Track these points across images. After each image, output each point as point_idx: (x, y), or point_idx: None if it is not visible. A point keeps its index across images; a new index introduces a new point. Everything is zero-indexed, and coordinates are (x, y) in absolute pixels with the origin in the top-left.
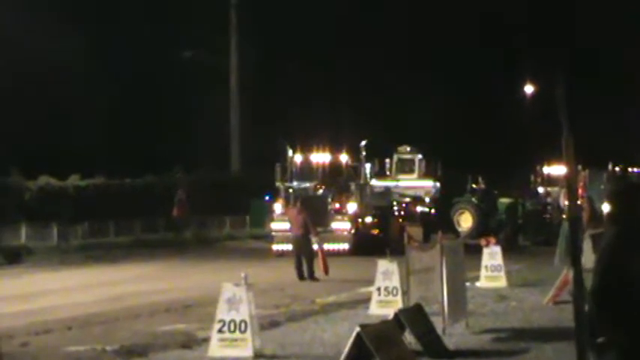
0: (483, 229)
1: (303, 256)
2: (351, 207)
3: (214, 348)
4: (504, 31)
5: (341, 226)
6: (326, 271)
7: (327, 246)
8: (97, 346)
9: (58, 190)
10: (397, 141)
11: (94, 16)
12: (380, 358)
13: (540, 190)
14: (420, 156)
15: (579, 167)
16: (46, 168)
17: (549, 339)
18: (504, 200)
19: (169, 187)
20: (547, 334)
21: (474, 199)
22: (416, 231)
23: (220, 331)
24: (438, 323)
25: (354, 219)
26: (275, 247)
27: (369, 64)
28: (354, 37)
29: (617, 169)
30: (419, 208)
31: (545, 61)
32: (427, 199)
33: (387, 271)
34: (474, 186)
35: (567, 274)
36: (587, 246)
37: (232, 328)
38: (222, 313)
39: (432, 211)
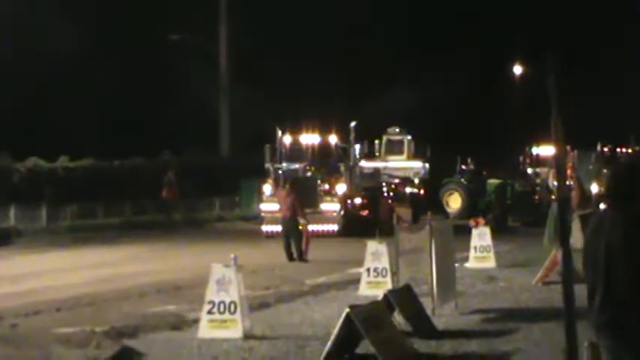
0: (472, 210)
1: (291, 237)
2: (341, 188)
3: (204, 329)
4: (494, 14)
5: (330, 207)
6: (305, 252)
7: (316, 227)
8: (86, 328)
9: (47, 171)
10: (386, 122)
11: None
12: (369, 339)
13: (529, 171)
14: (409, 137)
15: (568, 148)
16: (35, 149)
17: (538, 319)
18: (493, 181)
19: (159, 169)
20: (536, 314)
21: (463, 180)
22: (405, 212)
23: (210, 312)
24: (427, 304)
25: (343, 200)
26: (264, 228)
27: (359, 45)
28: (346, 18)
29: (605, 149)
30: (408, 189)
31: (534, 43)
32: (416, 181)
33: (376, 252)
34: (463, 167)
35: (556, 254)
36: (575, 227)
37: (222, 309)
38: (212, 294)
39: (421, 192)
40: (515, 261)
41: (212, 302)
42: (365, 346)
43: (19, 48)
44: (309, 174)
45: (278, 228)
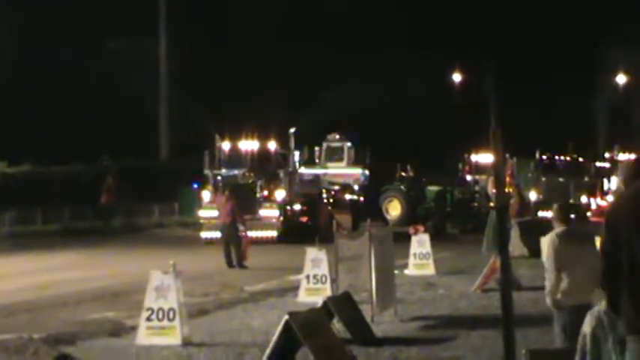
0: (412, 217)
1: (231, 243)
2: (280, 194)
3: (143, 336)
4: (434, 20)
5: (269, 213)
6: (244, 258)
7: (255, 233)
8: (24, 335)
9: None
10: (326, 128)
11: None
12: (308, 346)
13: (468, 178)
14: (349, 144)
15: (507, 155)
16: None
17: (477, 326)
18: (433, 188)
19: (98, 174)
20: (475, 321)
21: (402, 187)
22: (345, 218)
23: (149, 319)
24: (366, 311)
25: (282, 206)
26: (203, 234)
27: (299, 51)
28: (285, 25)
29: (544, 157)
30: (348, 196)
31: (474, 52)
32: (356, 187)
33: (316, 259)
34: (402, 174)
35: (495, 261)
36: (514, 234)
37: (161, 316)
38: (151, 301)
39: (361, 199)
40: (455, 268)
41: (151, 309)
42: (304, 353)
43: None
44: (248, 180)
45: (217, 234)
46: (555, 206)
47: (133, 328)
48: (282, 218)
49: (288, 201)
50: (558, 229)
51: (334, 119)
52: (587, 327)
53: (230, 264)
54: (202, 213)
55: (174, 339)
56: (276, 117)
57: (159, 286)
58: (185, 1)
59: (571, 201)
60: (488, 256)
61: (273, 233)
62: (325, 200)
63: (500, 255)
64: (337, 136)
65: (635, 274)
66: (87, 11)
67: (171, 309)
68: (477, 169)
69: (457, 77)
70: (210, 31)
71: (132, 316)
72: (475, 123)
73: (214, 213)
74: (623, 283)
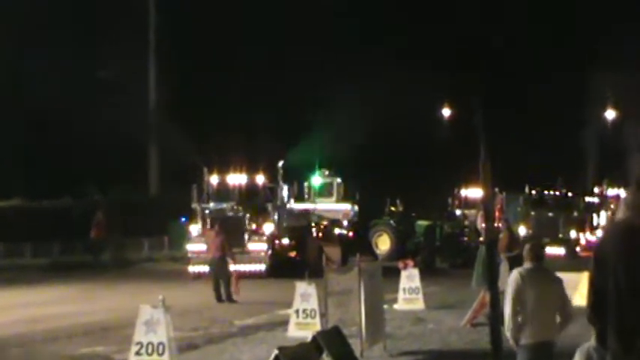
0: (401, 252)
1: (220, 278)
2: (268, 228)
3: None
4: (423, 54)
5: (257, 247)
6: (235, 292)
7: (243, 267)
8: None
9: None
10: (315, 164)
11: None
12: None
13: (458, 212)
14: (338, 180)
15: (496, 190)
16: None
17: None
18: (422, 223)
19: (87, 208)
20: (464, 356)
21: (391, 222)
22: (334, 252)
23: (138, 353)
24: (356, 345)
25: (270, 240)
26: (191, 268)
27: (287, 85)
28: (272, 59)
29: (533, 192)
30: (337, 231)
31: (462, 86)
32: (345, 222)
33: (305, 293)
34: (392, 208)
35: (484, 296)
36: (503, 268)
37: (150, 350)
38: (140, 335)
39: (350, 234)
40: (444, 303)
41: (140, 343)
42: None
43: None
44: (238, 214)
45: (205, 269)
46: (527, 245)
47: None
48: (270, 252)
49: (277, 234)
50: (524, 266)
51: (321, 154)
52: None
53: (219, 298)
54: (190, 247)
55: None
56: (264, 150)
57: (148, 321)
58: (175, 34)
59: (560, 236)
60: (477, 291)
61: (262, 267)
62: (315, 234)
63: (490, 290)
64: (327, 172)
65: (620, 309)
66: (75, 39)
67: (160, 343)
68: (467, 203)
69: (446, 112)
70: (198, 61)
71: (121, 350)
72: (464, 157)
73: (202, 247)
74: (609, 318)
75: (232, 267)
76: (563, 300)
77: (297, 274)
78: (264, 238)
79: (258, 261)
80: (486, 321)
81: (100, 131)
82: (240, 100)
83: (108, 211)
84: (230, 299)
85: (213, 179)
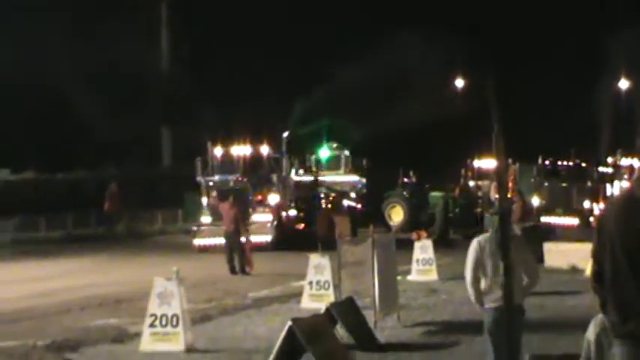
0: (415, 223)
1: (234, 250)
2: (273, 199)
3: (146, 342)
4: (437, 20)
5: (262, 218)
6: (250, 265)
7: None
8: (28, 341)
9: None
10: (323, 135)
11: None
12: (312, 352)
13: (471, 183)
14: (346, 152)
15: (509, 161)
16: None
17: (479, 332)
18: (436, 194)
19: (101, 181)
20: (477, 327)
21: (405, 193)
22: (344, 225)
23: (152, 325)
24: (369, 317)
25: (275, 211)
26: (196, 241)
27: (297, 56)
28: (282, 30)
29: (547, 162)
30: (345, 202)
31: (475, 55)
32: (353, 194)
33: (319, 265)
34: (405, 180)
35: None
36: None
37: (164, 322)
38: (154, 307)
39: (359, 206)
40: (457, 274)
41: (154, 315)
42: (308, 359)
43: None
44: (241, 185)
45: (211, 241)
46: (487, 215)
47: (137, 335)
48: (275, 223)
49: (282, 206)
50: (484, 234)
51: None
52: (590, 333)
53: (233, 271)
54: (203, 219)
55: (177, 345)
56: (269, 121)
57: (162, 293)
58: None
59: (574, 206)
60: None
61: (267, 238)
62: (324, 206)
63: (504, 260)
64: (335, 145)
65: (617, 279)
66: (88, 15)
67: (174, 315)
68: (480, 174)
69: (460, 83)
70: (205, 31)
71: (135, 323)
72: (478, 128)
73: (208, 219)
74: (608, 288)
75: (243, 239)
76: (528, 263)
77: (304, 246)
78: (269, 209)
79: (264, 232)
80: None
81: (114, 104)
82: (246, 68)
83: (122, 184)
84: (243, 271)
85: (218, 151)
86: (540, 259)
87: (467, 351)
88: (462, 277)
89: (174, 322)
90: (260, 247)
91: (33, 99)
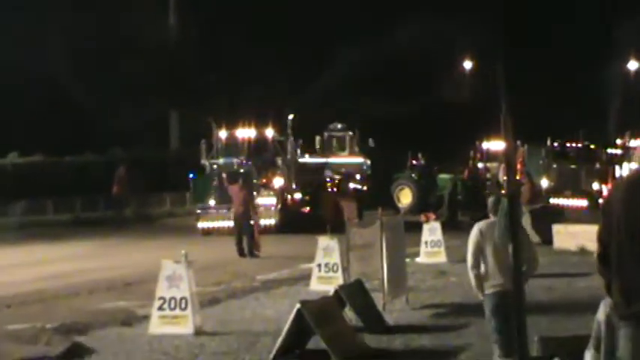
0: (423, 205)
1: (244, 233)
2: (277, 182)
3: (155, 325)
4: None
5: (267, 201)
6: (257, 248)
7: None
8: (36, 324)
9: None
10: (331, 116)
11: None
12: (320, 334)
13: (480, 165)
14: (351, 133)
15: (518, 143)
16: None
17: None
18: (444, 176)
19: (109, 164)
20: None
21: (413, 175)
22: (350, 207)
23: (161, 308)
24: (378, 299)
25: (280, 194)
26: (200, 224)
27: (302, 36)
28: (287, 10)
29: (555, 144)
30: (351, 185)
31: (483, 36)
32: (358, 176)
33: (327, 248)
34: (413, 162)
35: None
36: (526, 222)
37: (173, 305)
38: (163, 290)
39: (364, 188)
40: (466, 256)
41: (163, 298)
42: (316, 342)
43: None
44: (246, 168)
45: (214, 224)
46: (490, 198)
47: (145, 318)
48: (279, 206)
49: (287, 188)
50: (485, 220)
51: (338, 106)
52: (601, 314)
53: (242, 253)
54: (199, 203)
55: (186, 328)
56: (275, 101)
57: (171, 276)
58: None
59: (582, 188)
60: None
61: (271, 221)
62: (330, 189)
63: (512, 242)
64: (339, 126)
65: (621, 262)
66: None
67: (183, 298)
68: (488, 156)
69: (468, 64)
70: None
71: (144, 306)
72: (486, 110)
73: (211, 202)
74: (612, 270)
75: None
76: (528, 249)
77: (309, 229)
78: (274, 192)
79: (268, 215)
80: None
81: (124, 86)
82: (250, 48)
83: (130, 167)
84: (252, 254)
85: (222, 134)
86: (549, 240)
87: (476, 333)
88: None
89: (183, 305)
90: (264, 230)
91: (41, 81)
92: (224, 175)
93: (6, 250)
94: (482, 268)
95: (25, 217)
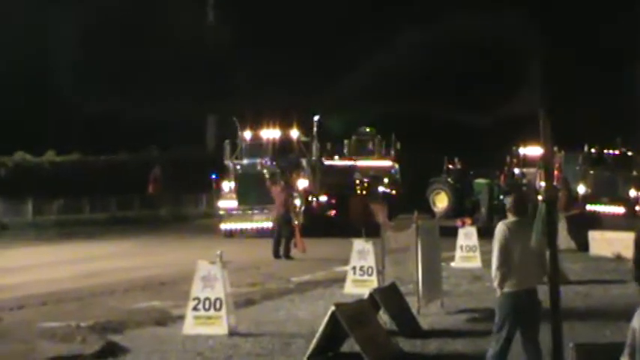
0: (459, 210)
1: (283, 234)
2: (302, 184)
3: (189, 326)
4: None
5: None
6: (303, 249)
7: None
8: (71, 323)
9: (33, 166)
10: (362, 119)
11: None
12: (354, 337)
13: (516, 171)
14: (379, 137)
15: (555, 149)
16: (22, 144)
17: None
18: (480, 181)
19: (145, 164)
20: None
21: (449, 180)
22: (380, 210)
23: (195, 308)
24: (412, 303)
25: (304, 196)
26: (223, 226)
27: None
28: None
29: (592, 150)
30: (380, 189)
31: (521, 42)
32: (386, 180)
33: (362, 250)
34: (450, 166)
35: None
36: (562, 228)
37: (207, 305)
38: (197, 290)
39: (393, 192)
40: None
41: (197, 299)
42: (350, 345)
43: (2, 43)
44: (263, 170)
45: (237, 226)
46: (509, 199)
47: (180, 318)
48: (303, 208)
49: (312, 191)
50: (509, 219)
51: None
52: (636, 322)
53: (277, 254)
54: (222, 204)
55: (220, 329)
56: (300, 104)
57: (206, 276)
58: None
59: (619, 195)
60: (536, 249)
61: (295, 223)
62: (358, 192)
63: (550, 248)
64: (367, 129)
65: None
66: None
67: (217, 299)
68: (525, 162)
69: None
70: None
71: (179, 306)
72: (523, 115)
73: (234, 204)
74: None
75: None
76: (541, 254)
77: (335, 232)
78: (298, 193)
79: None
80: (544, 280)
81: (162, 88)
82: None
83: (165, 167)
84: (287, 256)
85: (247, 134)
86: (585, 247)
87: None
88: None
89: (218, 306)
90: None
91: (77, 80)
92: (267, 177)
93: (43, 248)
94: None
95: (62, 216)
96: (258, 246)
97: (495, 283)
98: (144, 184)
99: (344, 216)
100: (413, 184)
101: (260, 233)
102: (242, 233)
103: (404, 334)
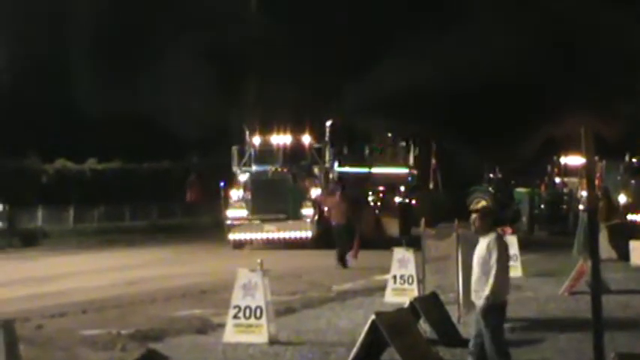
0: (500, 219)
1: (342, 244)
2: (315, 192)
3: (229, 334)
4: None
5: (305, 212)
6: (355, 255)
7: (287, 234)
8: (112, 330)
9: (74, 173)
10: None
11: None
12: (395, 346)
13: (557, 180)
14: (402, 143)
15: (596, 158)
16: (64, 151)
17: (564, 329)
18: (521, 190)
19: (186, 171)
20: (562, 324)
21: (490, 189)
22: (391, 223)
23: (236, 317)
24: (453, 312)
25: (317, 206)
26: (232, 236)
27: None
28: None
29: (633, 160)
30: (397, 199)
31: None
32: (402, 188)
33: (403, 259)
34: (490, 175)
35: (584, 264)
36: (602, 237)
37: (248, 314)
38: (238, 299)
39: (413, 201)
40: (542, 270)
41: (238, 307)
42: (390, 353)
43: (45, 50)
44: (277, 176)
45: (246, 236)
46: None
47: (220, 326)
48: (316, 218)
49: (325, 200)
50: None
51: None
52: None
53: (344, 264)
54: (230, 213)
55: (261, 337)
56: (314, 108)
57: (246, 284)
58: None
59: None
60: (576, 259)
61: (307, 233)
62: (371, 203)
63: (592, 258)
64: (388, 134)
65: None
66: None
67: (258, 307)
68: (566, 171)
69: None
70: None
71: (219, 314)
72: (565, 124)
73: (243, 213)
74: None
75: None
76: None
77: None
78: (311, 202)
79: (304, 227)
80: (585, 289)
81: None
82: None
83: (203, 175)
84: (343, 264)
85: (256, 140)
86: (626, 257)
87: (551, 347)
88: (547, 274)
89: (258, 314)
90: (299, 243)
91: (121, 89)
92: (329, 186)
93: (84, 255)
94: (492, 278)
95: (103, 223)
96: (298, 254)
97: (497, 291)
98: (184, 192)
99: (357, 228)
100: (453, 193)
101: (270, 244)
102: (251, 244)
103: (444, 343)
